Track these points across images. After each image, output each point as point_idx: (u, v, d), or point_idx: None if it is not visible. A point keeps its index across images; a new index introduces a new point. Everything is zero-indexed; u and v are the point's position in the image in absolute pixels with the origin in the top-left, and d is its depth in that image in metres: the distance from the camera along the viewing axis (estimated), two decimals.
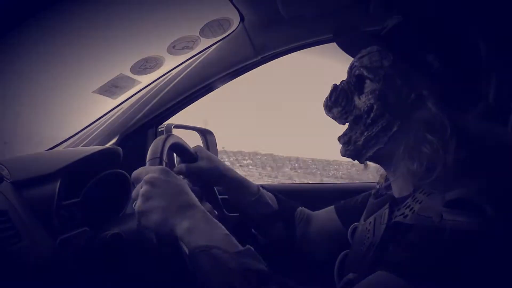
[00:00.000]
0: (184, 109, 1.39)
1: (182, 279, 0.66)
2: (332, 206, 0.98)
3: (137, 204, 0.63)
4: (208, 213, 0.64)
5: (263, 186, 0.99)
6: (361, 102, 0.68)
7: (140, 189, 0.64)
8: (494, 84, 0.64)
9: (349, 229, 0.83)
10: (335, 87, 0.73)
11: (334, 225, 0.93)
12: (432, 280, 0.49)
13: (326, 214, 0.98)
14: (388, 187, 0.78)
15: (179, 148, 0.88)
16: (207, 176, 0.95)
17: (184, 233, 0.60)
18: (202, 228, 0.61)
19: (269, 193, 0.99)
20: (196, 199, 0.66)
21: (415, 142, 0.62)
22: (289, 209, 1.00)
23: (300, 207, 1.01)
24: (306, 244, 0.97)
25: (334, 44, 0.78)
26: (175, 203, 0.63)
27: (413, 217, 0.59)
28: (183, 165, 0.93)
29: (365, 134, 0.68)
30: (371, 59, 0.67)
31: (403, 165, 0.65)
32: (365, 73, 0.68)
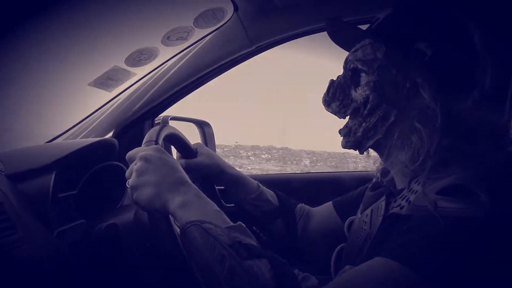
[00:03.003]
0: (189, 104, 1.39)
1: (177, 269, 0.66)
2: (330, 202, 0.97)
3: (131, 179, 0.63)
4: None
5: (259, 178, 0.99)
6: (358, 94, 0.68)
7: (134, 166, 0.64)
8: (490, 71, 0.62)
9: (346, 223, 0.82)
10: (331, 82, 0.73)
11: (333, 220, 0.93)
12: (430, 265, 0.49)
13: (325, 209, 0.98)
14: (384, 179, 0.77)
15: (179, 142, 0.88)
16: (207, 173, 0.96)
17: (177, 208, 0.60)
18: (194, 204, 0.61)
19: (269, 190, 1.00)
20: (188, 178, 0.66)
21: (408, 131, 0.62)
22: (290, 205, 1.00)
23: (300, 204, 1.01)
24: (307, 240, 0.97)
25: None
26: (168, 178, 0.63)
27: (409, 208, 0.58)
28: (182, 161, 0.93)
29: (363, 125, 0.68)
30: (364, 52, 0.67)
31: (395, 155, 0.65)
32: (360, 66, 0.67)
